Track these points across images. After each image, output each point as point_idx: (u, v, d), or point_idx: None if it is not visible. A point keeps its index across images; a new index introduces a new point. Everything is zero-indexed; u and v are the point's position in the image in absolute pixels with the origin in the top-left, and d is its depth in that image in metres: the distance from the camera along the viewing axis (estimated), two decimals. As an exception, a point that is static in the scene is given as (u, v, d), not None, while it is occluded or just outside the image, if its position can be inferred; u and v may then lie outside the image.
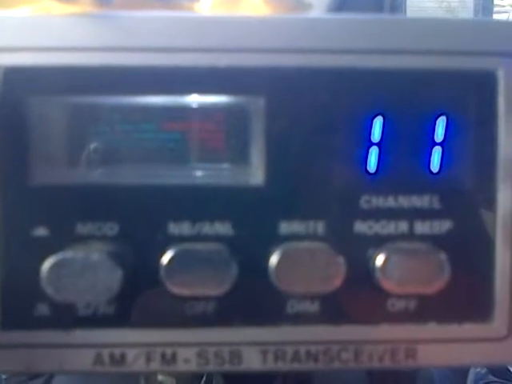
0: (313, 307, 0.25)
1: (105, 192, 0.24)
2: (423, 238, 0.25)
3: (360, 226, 0.25)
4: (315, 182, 0.25)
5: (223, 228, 0.25)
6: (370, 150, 0.25)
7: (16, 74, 0.24)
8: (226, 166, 0.25)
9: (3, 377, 0.51)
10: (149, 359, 0.25)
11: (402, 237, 0.25)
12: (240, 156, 0.25)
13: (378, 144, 0.25)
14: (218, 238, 0.25)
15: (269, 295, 0.25)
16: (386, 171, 0.25)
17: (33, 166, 0.24)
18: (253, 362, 0.25)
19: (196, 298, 0.25)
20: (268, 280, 0.24)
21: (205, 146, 0.25)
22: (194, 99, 0.25)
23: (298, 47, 0.24)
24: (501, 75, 0.25)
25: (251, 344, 0.25)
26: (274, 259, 0.24)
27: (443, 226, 0.25)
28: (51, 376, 0.49)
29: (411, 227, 0.25)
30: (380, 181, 0.25)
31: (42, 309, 0.24)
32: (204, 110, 0.25)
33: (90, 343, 0.25)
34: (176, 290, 0.24)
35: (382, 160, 0.25)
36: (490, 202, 0.25)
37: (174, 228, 0.25)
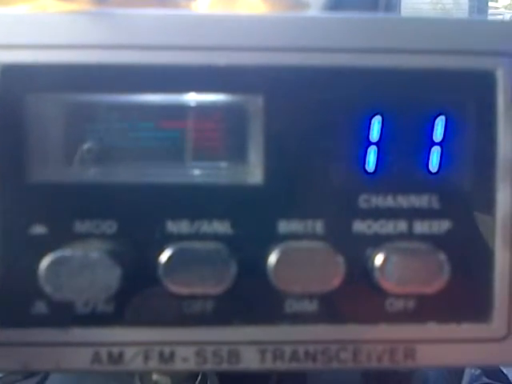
0: (311, 307, 0.25)
1: (103, 190, 0.24)
2: (422, 237, 0.25)
3: (359, 226, 0.25)
4: (314, 181, 0.25)
5: (222, 227, 0.25)
6: (368, 150, 0.25)
7: (13, 72, 0.24)
8: (224, 164, 0.25)
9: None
10: (147, 358, 0.25)
11: (400, 236, 0.25)
12: (238, 155, 0.25)
13: (376, 143, 0.25)
14: (216, 237, 0.25)
15: (267, 294, 0.25)
16: (384, 171, 0.25)
17: (31, 163, 0.24)
18: (251, 361, 0.25)
19: (194, 297, 0.25)
20: (266, 279, 0.24)
21: (203, 144, 0.25)
22: (192, 98, 0.25)
23: (296, 46, 0.24)
24: (500, 75, 0.25)
25: (249, 343, 0.25)
26: (272, 258, 0.24)
27: (442, 225, 0.25)
28: (46, 375, 0.48)
29: (410, 227, 0.25)
30: (379, 180, 0.25)
31: (40, 307, 0.24)
32: (202, 109, 0.25)
33: (88, 342, 0.25)
34: (174, 288, 0.24)
35: (380, 159, 0.25)
36: (489, 202, 0.25)
37: (172, 226, 0.25)
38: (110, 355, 0.25)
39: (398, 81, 0.25)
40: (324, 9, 0.57)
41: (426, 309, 0.25)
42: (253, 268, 0.24)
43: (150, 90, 0.24)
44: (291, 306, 0.25)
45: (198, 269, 0.24)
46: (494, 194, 0.25)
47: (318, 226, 0.25)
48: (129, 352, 0.25)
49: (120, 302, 0.25)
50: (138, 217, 0.24)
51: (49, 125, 0.24)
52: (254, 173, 0.25)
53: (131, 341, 0.25)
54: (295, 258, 0.24)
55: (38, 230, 0.24)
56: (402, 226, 0.25)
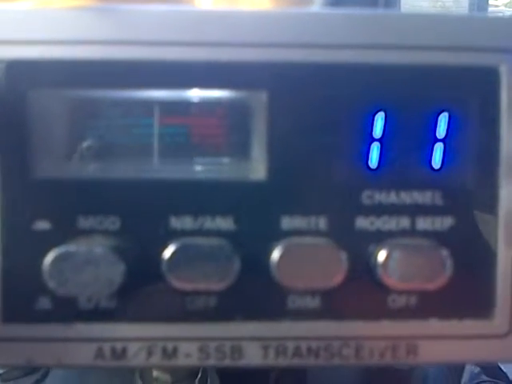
0: (314, 303, 0.25)
1: (106, 186, 0.24)
2: (425, 234, 0.25)
3: (362, 222, 0.25)
4: (317, 177, 0.25)
5: (225, 223, 0.25)
6: (371, 146, 0.25)
7: (17, 68, 0.24)
8: (227, 160, 0.25)
9: None
10: (150, 353, 0.25)
11: (403, 233, 0.25)
12: (242, 151, 0.25)
13: (379, 140, 0.25)
14: (219, 233, 0.25)
15: (270, 290, 0.25)
16: (387, 167, 0.25)
17: (34, 159, 0.24)
18: (254, 357, 0.25)
19: (197, 293, 0.25)
20: (269, 275, 0.24)
21: (206, 140, 0.25)
22: (196, 94, 0.25)
23: (300, 42, 0.24)
24: (503, 71, 0.25)
25: (252, 339, 0.25)
26: (275, 254, 0.24)
27: (445, 222, 0.25)
28: (47, 371, 0.48)
29: (413, 223, 0.25)
30: (382, 176, 0.25)
31: (44, 302, 0.24)
32: (206, 105, 0.25)
33: (92, 337, 0.25)
34: (178, 284, 0.24)
35: (383, 156, 0.25)
36: (492, 199, 0.25)
37: (175, 222, 0.25)
38: (113, 351, 0.25)
39: (402, 77, 0.25)
40: (324, 5, 0.57)
41: (429, 305, 0.25)
42: (256, 264, 0.24)
43: (154, 86, 0.24)
44: (294, 302, 0.25)
45: (202, 265, 0.24)
46: (497, 190, 0.25)
47: (321, 222, 0.25)
48: (132, 348, 0.25)
49: (123, 298, 0.25)
50: (141, 213, 0.24)
51: (53, 120, 0.24)
52: (258, 169, 0.25)
53: (134, 336, 0.25)
54: (298, 254, 0.24)
55: (42, 225, 0.24)
56: (404, 222, 0.25)
